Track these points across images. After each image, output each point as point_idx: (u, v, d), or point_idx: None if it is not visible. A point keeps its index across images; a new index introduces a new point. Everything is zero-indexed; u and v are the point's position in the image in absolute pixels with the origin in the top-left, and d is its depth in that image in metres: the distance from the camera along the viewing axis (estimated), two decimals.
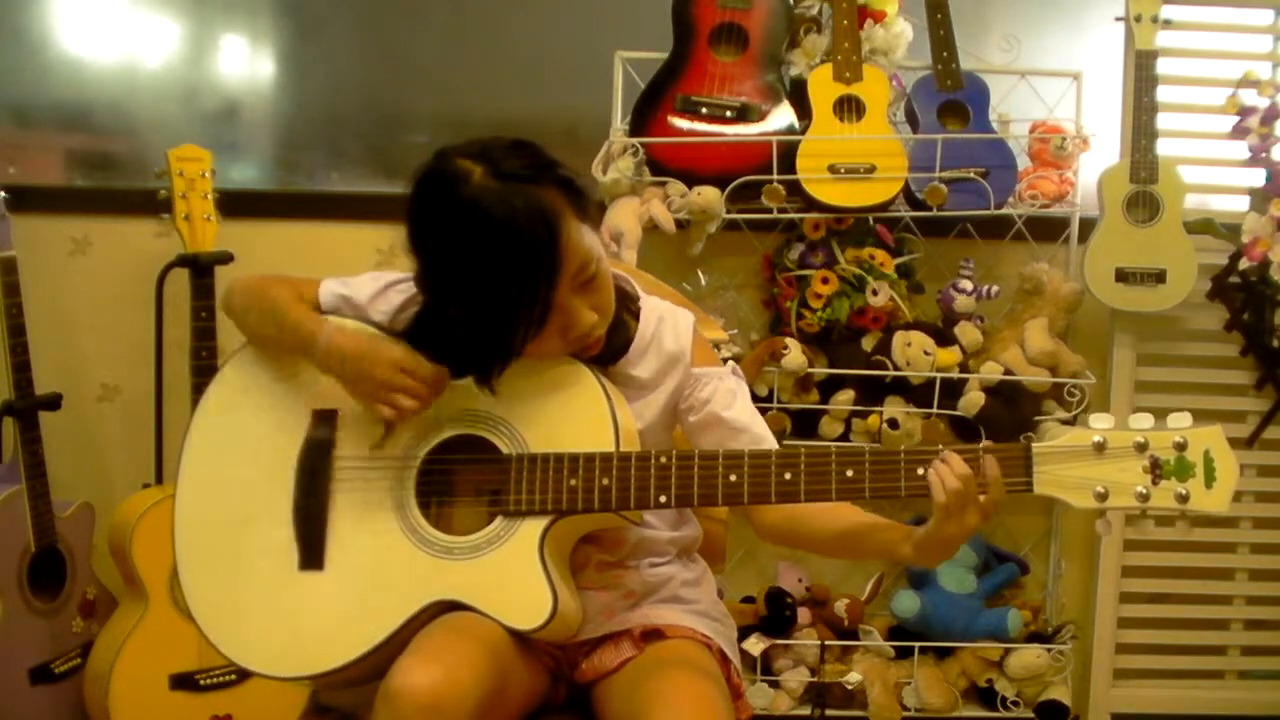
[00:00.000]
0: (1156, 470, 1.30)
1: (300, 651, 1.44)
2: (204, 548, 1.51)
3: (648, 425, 1.52)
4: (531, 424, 1.44)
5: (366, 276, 1.57)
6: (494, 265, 1.32)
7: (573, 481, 1.40)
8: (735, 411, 1.52)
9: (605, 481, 1.39)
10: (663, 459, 1.39)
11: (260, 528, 1.48)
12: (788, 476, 1.37)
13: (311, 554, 1.46)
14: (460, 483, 1.47)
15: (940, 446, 1.34)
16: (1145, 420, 1.31)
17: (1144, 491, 1.30)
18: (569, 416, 1.43)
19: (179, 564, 1.52)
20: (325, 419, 1.50)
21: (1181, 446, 1.30)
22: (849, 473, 1.35)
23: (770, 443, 1.52)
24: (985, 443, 1.35)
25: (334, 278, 1.57)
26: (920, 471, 1.33)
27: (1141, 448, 1.30)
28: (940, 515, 1.31)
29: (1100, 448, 1.31)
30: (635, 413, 1.50)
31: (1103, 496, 1.31)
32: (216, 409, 1.56)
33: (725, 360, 1.62)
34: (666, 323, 1.55)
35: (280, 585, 1.46)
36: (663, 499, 1.39)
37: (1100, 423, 1.32)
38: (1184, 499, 1.29)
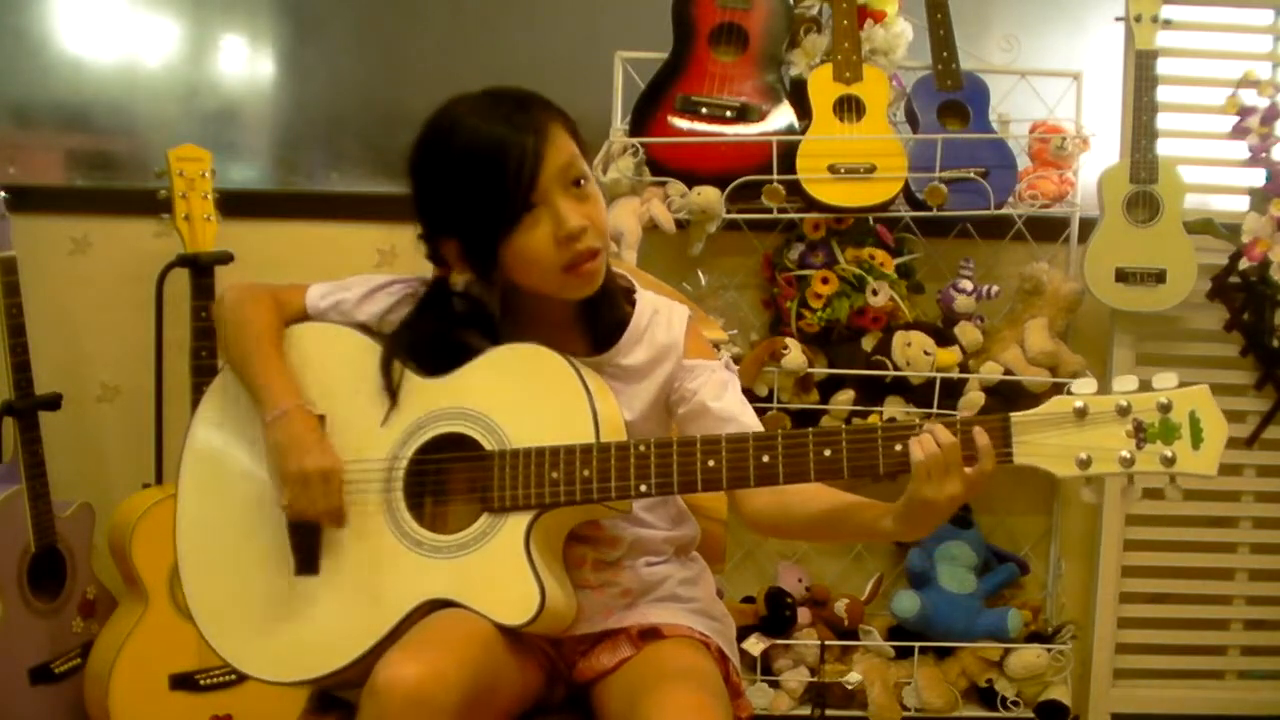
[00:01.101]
0: (1140, 434, 1.25)
1: (298, 657, 1.45)
2: (205, 553, 1.52)
3: (638, 416, 1.52)
4: (511, 419, 1.44)
5: (355, 279, 1.58)
6: (483, 146, 1.37)
7: (554, 474, 1.40)
8: (724, 403, 1.52)
9: (585, 473, 1.39)
10: (641, 448, 1.39)
11: (257, 534, 1.49)
12: (765, 459, 1.36)
13: (306, 559, 1.47)
14: (447, 481, 1.48)
15: (918, 422, 1.31)
16: (1129, 382, 1.26)
17: (1128, 456, 1.25)
18: (547, 409, 1.43)
19: (181, 571, 1.53)
20: (313, 416, 1.50)
21: (1166, 408, 1.25)
22: (826, 452, 1.34)
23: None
24: (962, 414, 1.32)
25: (321, 282, 1.58)
26: (898, 448, 1.31)
27: (1124, 411, 1.25)
28: (919, 477, 1.28)
29: (1081, 414, 1.26)
30: (624, 403, 1.50)
31: (1085, 464, 1.26)
32: (214, 414, 1.56)
33: (721, 356, 1.62)
34: (661, 315, 1.56)
35: (277, 592, 1.47)
36: (643, 488, 1.39)
37: (1082, 388, 1.28)
38: (1170, 461, 1.25)
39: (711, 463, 1.37)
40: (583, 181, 1.43)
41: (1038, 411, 1.28)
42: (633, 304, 1.55)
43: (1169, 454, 1.25)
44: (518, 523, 1.41)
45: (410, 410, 1.47)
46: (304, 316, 1.56)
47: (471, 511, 1.44)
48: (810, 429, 1.37)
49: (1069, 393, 1.28)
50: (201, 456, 1.55)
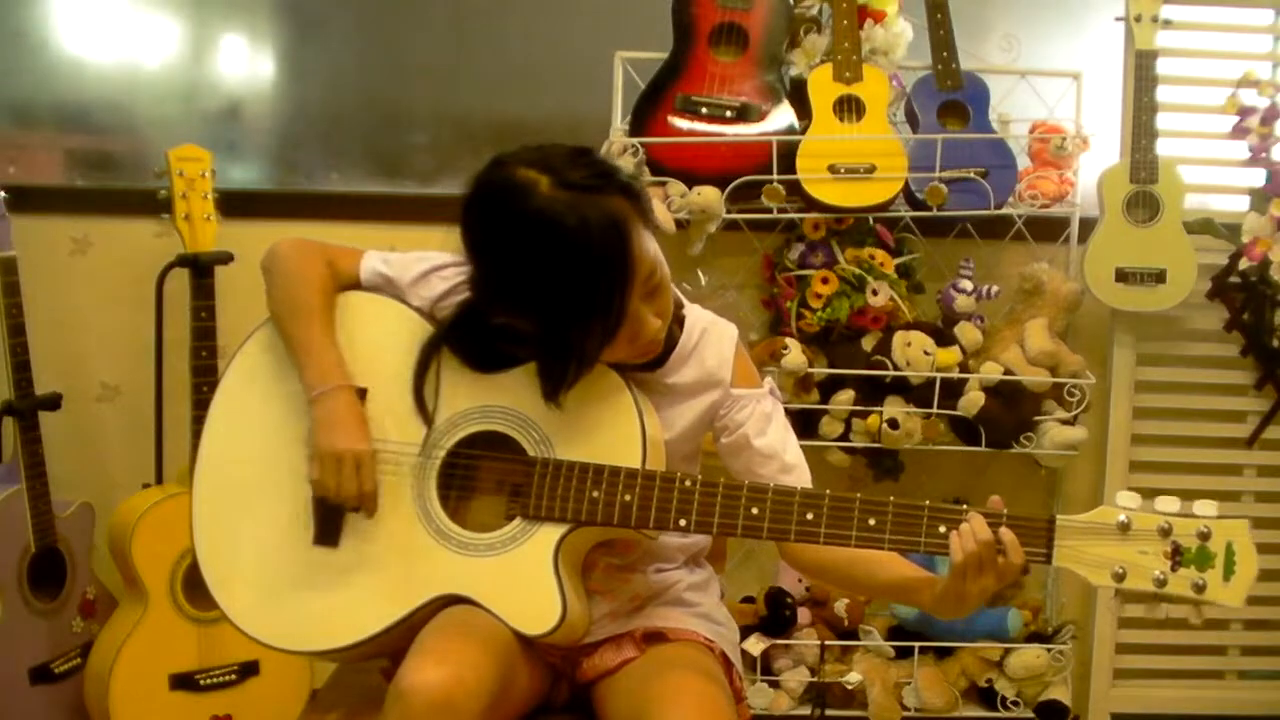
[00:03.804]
0: (1177, 556, 1.29)
1: (299, 626, 1.45)
2: (221, 502, 1.51)
3: (676, 435, 1.52)
4: (561, 429, 1.44)
5: (410, 257, 1.55)
6: (570, 276, 1.31)
7: (595, 493, 1.40)
8: (767, 439, 1.52)
9: (627, 498, 1.39)
10: (687, 483, 1.39)
11: (279, 498, 1.49)
12: (809, 517, 1.36)
13: (327, 530, 1.47)
14: (482, 479, 1.47)
15: (965, 508, 1.33)
16: (1172, 504, 1.30)
17: (1161, 576, 1.29)
18: (599, 426, 1.43)
19: (194, 515, 1.51)
20: (357, 397, 1.49)
21: (1205, 536, 1.28)
22: (871, 521, 1.35)
23: (799, 470, 1.53)
24: (1003, 511, 1.33)
25: (377, 252, 1.56)
26: (942, 530, 1.33)
27: (1165, 532, 1.29)
28: (955, 573, 1.32)
29: (1124, 528, 1.30)
30: (666, 421, 1.50)
31: (1120, 577, 1.30)
32: (249, 371, 1.55)
33: (765, 377, 1.61)
34: (710, 335, 1.55)
35: (291, 557, 1.47)
36: (682, 523, 1.39)
37: (1126, 501, 1.31)
38: (1200, 588, 1.28)
39: (755, 510, 1.38)
40: (659, 277, 1.39)
41: (1083, 519, 1.31)
42: (680, 320, 1.54)
43: (1200, 581, 1.29)
44: (550, 534, 1.41)
45: (456, 401, 1.47)
46: (356, 283, 1.55)
47: (497, 512, 1.44)
48: (859, 495, 1.36)
49: (1115, 505, 1.31)
50: (229, 413, 1.54)
